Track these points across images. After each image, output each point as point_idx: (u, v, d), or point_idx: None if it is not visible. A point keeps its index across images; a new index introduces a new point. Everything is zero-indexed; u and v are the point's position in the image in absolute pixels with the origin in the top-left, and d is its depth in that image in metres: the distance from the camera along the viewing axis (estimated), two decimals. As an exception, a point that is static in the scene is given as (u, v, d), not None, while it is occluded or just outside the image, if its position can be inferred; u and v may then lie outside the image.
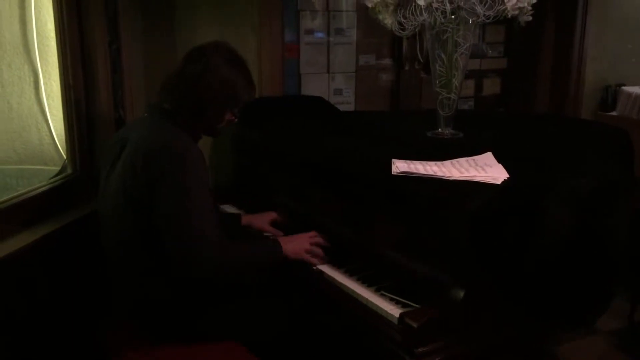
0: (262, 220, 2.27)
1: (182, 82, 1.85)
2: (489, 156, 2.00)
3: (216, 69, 1.84)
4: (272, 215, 2.28)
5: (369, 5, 2.32)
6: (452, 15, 2.20)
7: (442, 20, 2.20)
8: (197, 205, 1.72)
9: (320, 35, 3.45)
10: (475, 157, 1.99)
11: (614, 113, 4.10)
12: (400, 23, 2.25)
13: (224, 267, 1.77)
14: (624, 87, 4.08)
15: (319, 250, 1.95)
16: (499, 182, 1.78)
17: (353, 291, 1.77)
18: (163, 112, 1.88)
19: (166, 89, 1.88)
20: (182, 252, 1.71)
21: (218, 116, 1.90)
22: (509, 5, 2.13)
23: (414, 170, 1.88)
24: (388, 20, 2.29)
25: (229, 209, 2.50)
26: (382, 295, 1.72)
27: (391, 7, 2.27)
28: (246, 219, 2.29)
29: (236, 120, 1.96)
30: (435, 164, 1.94)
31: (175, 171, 1.71)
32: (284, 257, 1.89)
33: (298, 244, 1.93)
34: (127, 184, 1.77)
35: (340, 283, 1.83)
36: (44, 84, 2.38)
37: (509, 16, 2.21)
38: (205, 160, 1.84)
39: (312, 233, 1.99)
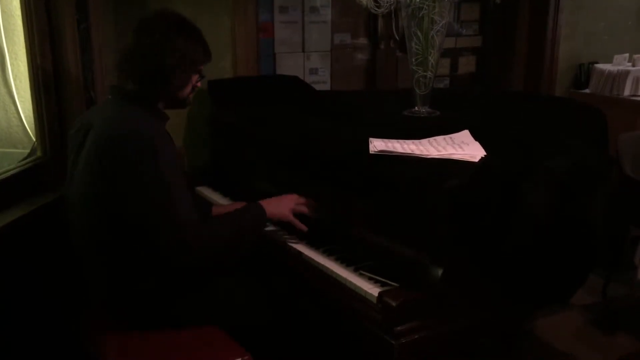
0: None
1: (141, 54, 1.77)
2: (466, 134, 2.00)
3: (173, 33, 1.78)
4: None
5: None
6: (428, -8, 2.19)
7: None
8: (172, 190, 1.68)
9: (294, 13, 3.41)
10: (453, 135, 1.98)
11: (587, 90, 4.15)
12: (375, 0, 2.23)
13: (211, 245, 1.73)
14: (596, 65, 4.13)
15: (304, 209, 1.92)
16: (476, 160, 1.78)
17: (332, 271, 1.76)
18: (126, 94, 1.82)
19: (125, 66, 1.82)
20: (167, 241, 1.66)
21: (184, 82, 1.84)
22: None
23: (392, 149, 1.87)
24: (363, -3, 2.26)
25: (205, 190, 2.47)
26: (360, 274, 1.71)
27: (367, -16, 2.25)
28: (217, 211, 2.18)
29: (199, 84, 1.91)
30: (413, 142, 1.93)
31: (145, 157, 1.66)
32: (268, 220, 1.85)
33: (282, 205, 1.90)
34: (93, 172, 1.72)
35: (319, 263, 1.82)
36: (10, 64, 2.31)
37: (485, -7, 2.21)
38: (175, 142, 1.80)
39: (294, 196, 1.95)
